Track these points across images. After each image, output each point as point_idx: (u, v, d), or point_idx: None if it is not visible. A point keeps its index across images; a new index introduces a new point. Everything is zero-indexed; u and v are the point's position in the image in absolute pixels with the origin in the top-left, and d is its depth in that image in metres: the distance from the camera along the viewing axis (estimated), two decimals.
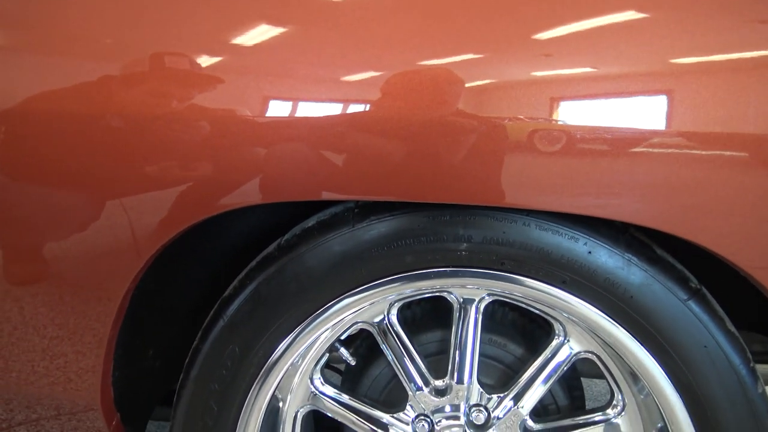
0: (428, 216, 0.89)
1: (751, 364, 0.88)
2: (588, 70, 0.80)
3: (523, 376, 0.99)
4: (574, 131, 0.80)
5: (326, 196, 0.86)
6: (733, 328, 0.89)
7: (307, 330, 0.94)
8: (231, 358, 0.95)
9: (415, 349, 0.99)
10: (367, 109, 0.82)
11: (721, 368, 0.87)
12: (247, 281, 0.94)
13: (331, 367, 1.22)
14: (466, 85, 0.81)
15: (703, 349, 0.87)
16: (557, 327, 0.97)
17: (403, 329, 0.99)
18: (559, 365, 0.98)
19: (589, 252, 0.87)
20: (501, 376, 1.04)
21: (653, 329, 0.87)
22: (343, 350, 1.04)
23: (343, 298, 0.93)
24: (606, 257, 0.87)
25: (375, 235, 0.89)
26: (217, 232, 1.09)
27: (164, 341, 1.15)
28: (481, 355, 1.00)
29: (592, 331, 0.92)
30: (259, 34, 0.85)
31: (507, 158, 0.82)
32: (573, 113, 0.81)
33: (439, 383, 0.99)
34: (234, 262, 1.05)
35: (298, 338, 0.94)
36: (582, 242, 0.87)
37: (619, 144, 0.80)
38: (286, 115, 0.84)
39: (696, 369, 0.87)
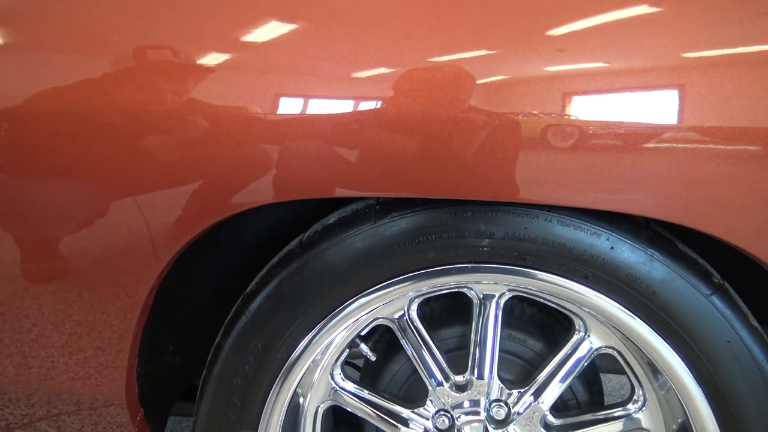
0: (450, 212, 0.89)
1: None
2: (603, 65, 0.80)
3: (543, 372, 0.99)
4: (590, 126, 0.80)
5: (340, 193, 0.86)
6: (756, 323, 0.88)
7: (328, 326, 0.95)
8: (254, 354, 0.95)
9: (435, 345, 1.00)
10: (381, 105, 0.82)
11: (744, 363, 0.87)
12: (269, 278, 0.95)
13: (349, 363, 1.22)
14: (481, 81, 0.80)
15: (726, 345, 0.87)
16: (578, 322, 0.97)
17: (422, 325, 0.99)
18: (579, 360, 0.98)
19: (612, 247, 0.87)
20: (521, 372, 1.04)
21: (676, 324, 0.87)
22: (363, 346, 1.04)
23: (365, 295, 0.93)
24: (628, 252, 0.87)
25: (396, 232, 0.90)
26: (237, 228, 1.09)
27: (184, 337, 1.16)
28: (501, 350, 1.00)
29: (613, 326, 0.92)
30: (272, 30, 0.85)
31: (523, 154, 0.81)
32: (589, 108, 0.80)
33: (459, 379, 1.00)
34: (254, 259, 1.06)
35: (319, 334, 0.95)
36: (604, 238, 0.87)
37: (636, 139, 0.79)
38: (299, 112, 0.84)
39: (719, 364, 0.87)
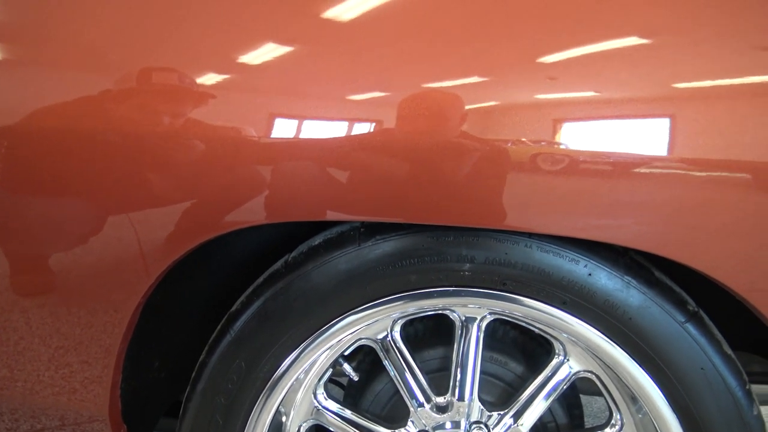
0: (432, 236, 0.91)
1: (747, 386, 0.90)
2: (589, 94, 0.82)
3: (523, 394, 1.00)
4: (574, 156, 0.82)
5: (331, 216, 0.87)
6: (729, 351, 0.90)
7: (312, 346, 0.96)
8: (237, 373, 0.96)
9: (417, 366, 1.01)
10: (374, 130, 0.84)
11: (717, 390, 0.88)
12: (254, 297, 0.96)
13: (334, 381, 1.23)
14: (470, 107, 0.82)
15: (700, 371, 0.88)
16: (557, 346, 0.99)
17: (405, 346, 1.01)
18: (558, 384, 0.99)
19: (589, 274, 0.89)
20: (501, 394, 1.05)
21: (651, 351, 0.89)
22: (346, 366, 1.06)
23: (348, 315, 0.95)
24: (606, 279, 0.89)
25: (380, 254, 0.91)
26: (225, 247, 1.11)
27: (171, 353, 1.17)
28: (482, 372, 1.02)
29: (591, 351, 0.94)
30: (267, 52, 0.87)
31: (508, 181, 0.83)
32: (572, 137, 0.82)
33: (440, 400, 1.01)
34: (243, 277, 1.07)
35: (303, 354, 0.96)
36: (582, 264, 0.89)
37: (617, 169, 0.81)
38: (292, 134, 0.86)
39: (693, 391, 0.89)
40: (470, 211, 0.85)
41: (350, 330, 0.96)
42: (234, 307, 0.98)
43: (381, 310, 0.94)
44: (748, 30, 0.80)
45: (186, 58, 0.87)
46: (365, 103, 0.85)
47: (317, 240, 0.97)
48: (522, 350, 1.09)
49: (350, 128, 0.85)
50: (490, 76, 0.83)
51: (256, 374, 0.96)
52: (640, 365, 0.90)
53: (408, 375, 1.01)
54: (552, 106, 0.82)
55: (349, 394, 1.13)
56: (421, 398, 1.00)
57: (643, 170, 0.81)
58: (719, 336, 0.91)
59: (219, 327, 0.99)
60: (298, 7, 0.87)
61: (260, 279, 0.98)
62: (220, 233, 0.90)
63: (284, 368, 0.96)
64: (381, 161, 0.84)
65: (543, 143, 0.82)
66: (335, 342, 0.97)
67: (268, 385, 0.96)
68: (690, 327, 0.88)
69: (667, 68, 0.80)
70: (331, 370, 1.04)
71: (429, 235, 0.91)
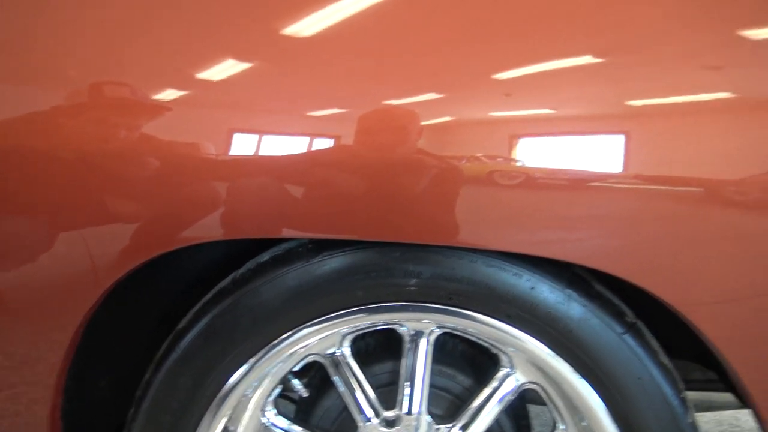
0: (379, 252, 0.92)
1: (682, 394, 0.94)
2: (545, 111, 0.84)
3: (470, 406, 1.02)
4: (526, 172, 0.84)
5: (287, 233, 0.88)
6: (666, 360, 0.94)
7: (259, 363, 0.96)
8: (183, 391, 0.95)
9: (366, 381, 1.02)
10: (330, 146, 0.85)
11: (654, 399, 0.92)
12: (201, 314, 0.96)
13: (286, 396, 1.23)
14: (426, 123, 0.84)
15: (638, 381, 0.91)
16: (504, 359, 1.00)
17: (356, 360, 1.01)
18: (505, 396, 1.01)
19: (532, 288, 0.91)
20: (450, 407, 1.06)
21: (591, 362, 0.92)
22: (295, 382, 1.05)
23: (296, 332, 0.95)
24: (548, 293, 0.91)
25: (327, 271, 0.92)
26: (173, 264, 1.10)
27: (118, 372, 1.15)
28: (431, 385, 1.03)
29: (535, 363, 0.96)
30: (224, 68, 0.87)
31: (456, 198, 0.85)
32: (524, 153, 0.84)
33: (389, 414, 1.02)
34: (193, 294, 1.06)
35: (251, 371, 0.96)
36: (525, 278, 0.91)
37: (566, 185, 0.84)
38: (248, 150, 0.86)
39: (631, 400, 0.92)
40: (426, 228, 0.87)
41: (298, 346, 0.96)
42: (181, 324, 0.98)
43: (329, 325, 0.94)
44: (696, 50, 0.84)
45: (141, 73, 0.87)
46: (322, 120, 0.85)
47: (265, 256, 0.97)
48: (471, 363, 1.11)
49: (306, 144, 0.85)
50: (446, 92, 0.85)
51: (203, 392, 0.95)
52: (581, 376, 0.93)
53: (357, 390, 1.01)
54: (506, 122, 0.84)
55: (300, 410, 1.13)
56: (370, 413, 1.01)
57: (590, 185, 0.84)
58: (656, 346, 0.94)
59: (165, 345, 0.98)
60: (256, 22, 0.87)
61: (208, 296, 0.98)
62: (170, 249, 0.90)
63: (231, 385, 0.96)
64: (337, 178, 0.85)
65: (497, 159, 0.84)
66: (283, 358, 0.97)
67: (214, 403, 0.96)
68: (628, 338, 0.91)
69: (620, 86, 0.83)
70: (280, 386, 1.04)
71: (376, 251, 0.92)
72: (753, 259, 0.84)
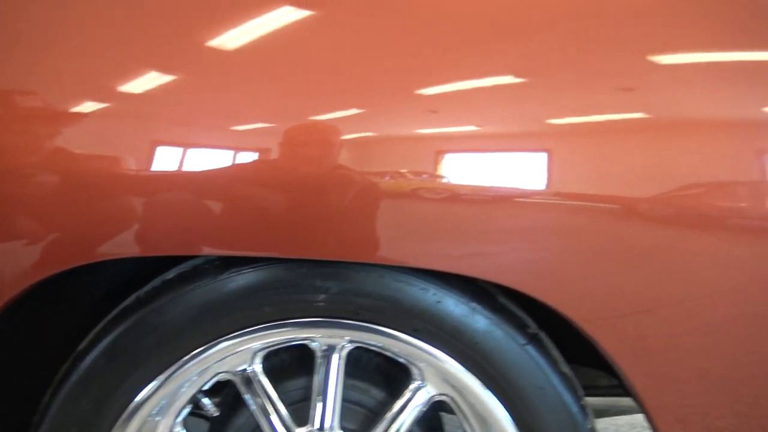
0: (287, 268, 0.92)
1: (582, 401, 0.97)
2: (471, 128, 0.86)
3: (383, 420, 1.03)
4: (448, 189, 0.86)
5: (207, 251, 0.87)
6: (566, 369, 0.97)
7: (166, 383, 0.94)
8: (83, 414, 0.92)
9: (278, 398, 1.01)
10: (252, 161, 0.84)
11: (555, 407, 0.95)
12: (103, 334, 0.93)
13: (201, 415, 1.21)
14: (346, 138, 0.84)
15: (540, 390, 0.94)
16: (415, 371, 1.02)
17: (269, 377, 1.01)
18: (417, 408, 1.03)
19: (438, 302, 0.93)
20: (363, 420, 1.07)
21: (495, 373, 0.94)
22: (205, 401, 1.04)
23: (204, 350, 0.93)
24: (453, 306, 0.93)
25: (234, 287, 0.91)
26: (82, 283, 1.07)
27: (19, 397, 1.10)
28: (345, 400, 1.03)
29: (443, 375, 0.98)
30: (148, 81, 0.85)
31: (373, 215, 0.86)
32: (448, 170, 0.86)
33: (301, 431, 1.01)
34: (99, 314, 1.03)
35: (156, 391, 0.93)
36: (432, 293, 0.93)
37: (459, 201, 0.86)
38: (168, 165, 0.84)
39: (534, 409, 0.95)
40: (347, 245, 0.87)
41: (206, 365, 0.95)
42: (81, 346, 0.95)
43: (236, 343, 0.94)
44: (611, 72, 0.88)
45: (56, 84, 0.84)
46: (242, 135, 0.85)
47: (171, 274, 0.95)
48: (385, 376, 1.11)
49: (227, 159, 0.85)
50: (368, 107, 0.86)
51: (105, 415, 0.92)
52: (486, 387, 0.95)
53: (269, 407, 1.00)
54: (430, 139, 0.86)
55: (213, 428, 1.11)
56: (282, 431, 1.00)
57: (489, 201, 0.86)
58: (557, 355, 0.97)
59: (64, 367, 0.95)
60: (179, 34, 0.87)
61: (111, 315, 0.95)
62: (80, 264, 0.87)
63: (135, 407, 0.93)
64: (259, 194, 0.85)
65: (420, 176, 0.86)
66: (191, 377, 0.96)
67: (117, 426, 0.93)
68: (530, 349, 0.94)
69: (542, 105, 0.86)
70: (190, 406, 1.02)
71: (284, 266, 0.92)
72: (648, 274, 0.88)
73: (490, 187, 0.86)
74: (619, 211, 0.87)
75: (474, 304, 0.94)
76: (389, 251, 0.88)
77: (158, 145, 0.85)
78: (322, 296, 0.92)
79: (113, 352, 0.92)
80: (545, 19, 0.90)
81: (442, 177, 0.86)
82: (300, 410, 1.03)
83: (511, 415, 0.95)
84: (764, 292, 0.89)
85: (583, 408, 0.97)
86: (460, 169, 0.86)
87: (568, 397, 0.95)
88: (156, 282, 0.95)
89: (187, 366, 0.94)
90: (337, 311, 0.93)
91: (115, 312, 0.95)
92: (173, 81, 0.86)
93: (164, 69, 0.86)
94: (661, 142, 0.87)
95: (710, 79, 0.88)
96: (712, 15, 0.91)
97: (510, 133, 0.88)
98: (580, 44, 0.88)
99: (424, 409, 1.03)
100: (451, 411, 1.24)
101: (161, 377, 0.93)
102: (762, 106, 0.88)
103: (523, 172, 0.86)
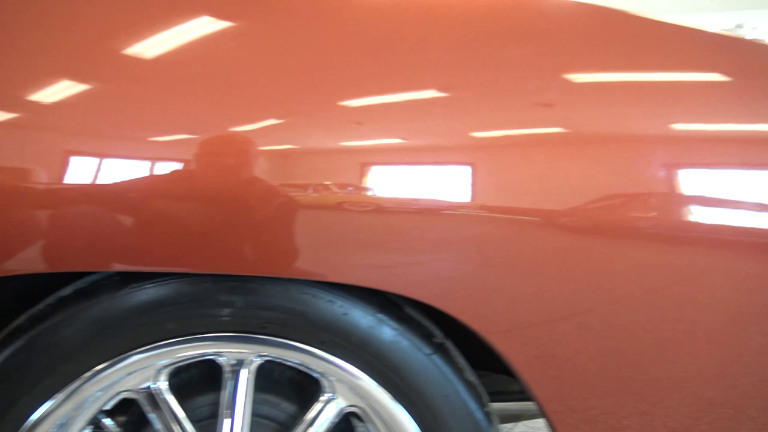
0: (190, 283, 0.90)
1: (487, 408, 1.00)
2: (396, 141, 0.87)
3: None
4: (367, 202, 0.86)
5: (117, 267, 0.84)
6: (472, 377, 1.00)
7: (64, 402, 0.90)
8: None
9: (186, 415, 0.99)
10: (168, 174, 0.83)
11: (460, 415, 0.97)
12: None
13: None
14: (263, 149, 0.83)
15: (445, 398, 0.96)
16: (325, 383, 1.02)
17: (176, 394, 0.98)
18: (327, 420, 1.03)
19: (345, 314, 0.93)
20: None
21: (402, 383, 0.95)
22: (107, 421, 1.00)
23: (104, 369, 0.90)
24: (360, 318, 0.94)
25: (135, 303, 0.89)
26: None
27: None
28: (255, 414, 1.02)
29: (352, 387, 0.98)
30: (57, 90, 0.82)
31: (284, 230, 0.85)
32: (374, 182, 0.87)
33: None
34: None
35: (50, 414, 0.90)
36: (338, 305, 0.93)
37: (364, 214, 0.87)
38: (77, 177, 0.82)
39: (440, 418, 0.96)
40: (263, 259, 0.86)
41: (105, 383, 0.91)
42: None
43: (138, 361, 0.91)
44: (529, 89, 0.90)
45: None
46: (155, 146, 0.83)
47: (67, 290, 0.92)
48: (297, 389, 1.11)
49: (140, 172, 0.82)
50: (287, 118, 0.85)
51: None
52: (393, 397, 0.96)
53: (174, 426, 0.98)
54: (354, 152, 0.86)
55: None
56: None
57: (390, 214, 0.87)
58: (463, 364, 1.00)
59: None
60: (95, 42, 0.84)
61: (0, 335, 0.91)
62: None
63: (29, 427, 0.89)
64: (175, 208, 0.83)
65: (345, 189, 0.86)
66: (90, 397, 0.92)
67: None
68: (436, 358, 0.96)
69: (464, 119, 0.88)
70: (91, 427, 0.98)
71: (186, 281, 0.90)
72: (555, 283, 0.91)
73: (392, 198, 0.87)
74: (524, 222, 0.90)
75: (381, 315, 0.95)
76: (307, 265, 0.87)
77: (69, 156, 0.82)
78: (227, 311, 0.91)
79: (3, 374, 0.87)
80: (469, 35, 0.92)
81: (350, 190, 0.87)
82: (208, 427, 1.01)
83: (417, 424, 0.97)
84: (670, 298, 0.93)
85: (487, 414, 0.99)
86: (370, 182, 0.87)
87: (472, 404, 0.97)
88: (50, 299, 0.91)
89: (86, 385, 0.90)
90: (244, 325, 0.92)
91: (5, 332, 0.91)
92: (85, 90, 0.84)
93: (76, 77, 0.83)
94: (577, 157, 0.90)
95: (623, 97, 0.92)
96: (625, 37, 0.96)
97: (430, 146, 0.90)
98: (502, 61, 0.91)
99: (336, 420, 1.03)
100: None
101: (59, 396, 0.90)
102: (669, 122, 0.93)
103: (428, 184, 0.88)
